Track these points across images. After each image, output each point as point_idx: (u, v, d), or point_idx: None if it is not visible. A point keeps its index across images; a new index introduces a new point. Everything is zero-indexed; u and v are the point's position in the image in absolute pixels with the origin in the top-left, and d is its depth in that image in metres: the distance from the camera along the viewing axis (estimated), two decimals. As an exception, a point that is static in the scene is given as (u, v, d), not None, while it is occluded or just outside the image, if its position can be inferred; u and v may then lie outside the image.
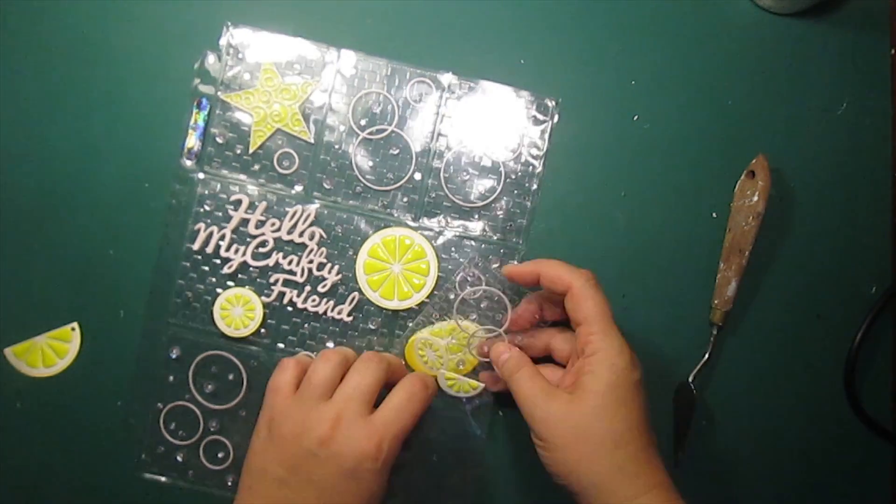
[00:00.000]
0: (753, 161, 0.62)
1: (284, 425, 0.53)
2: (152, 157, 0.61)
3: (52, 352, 0.61)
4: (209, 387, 0.61)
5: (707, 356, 0.63)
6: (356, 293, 0.61)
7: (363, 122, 0.62)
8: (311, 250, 0.61)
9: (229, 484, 0.62)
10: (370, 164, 0.62)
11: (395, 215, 0.62)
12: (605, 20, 0.63)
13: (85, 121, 0.61)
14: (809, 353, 0.64)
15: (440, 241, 0.62)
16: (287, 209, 0.61)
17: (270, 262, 0.61)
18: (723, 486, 0.59)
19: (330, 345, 0.61)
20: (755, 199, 0.61)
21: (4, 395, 0.61)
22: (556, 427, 0.51)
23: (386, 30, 0.62)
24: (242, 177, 0.61)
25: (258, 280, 0.61)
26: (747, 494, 0.63)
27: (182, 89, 0.61)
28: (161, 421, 0.61)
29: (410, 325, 0.61)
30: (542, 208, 0.62)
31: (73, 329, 0.61)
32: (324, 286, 0.61)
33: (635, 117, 0.63)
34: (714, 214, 0.63)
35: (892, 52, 0.65)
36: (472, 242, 0.62)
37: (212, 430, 0.61)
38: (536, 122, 0.62)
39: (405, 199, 0.62)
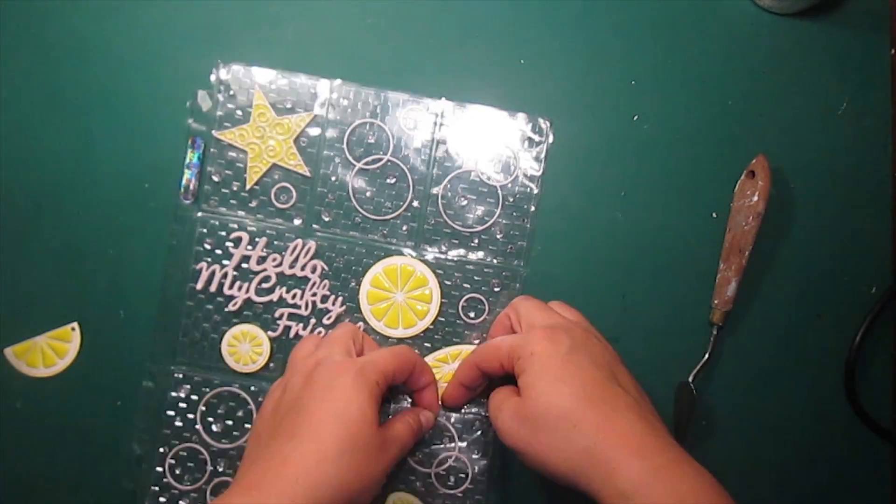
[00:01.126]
0: (753, 161, 0.62)
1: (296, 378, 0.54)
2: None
3: (52, 352, 0.61)
4: (217, 426, 0.62)
5: (707, 356, 0.63)
6: (361, 323, 0.62)
7: (359, 152, 0.62)
8: (314, 283, 0.61)
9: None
10: (368, 193, 0.62)
11: (396, 244, 0.62)
12: (605, 20, 0.63)
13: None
14: (809, 353, 0.64)
15: (441, 267, 0.62)
16: (287, 244, 0.61)
17: (274, 297, 0.61)
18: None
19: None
20: (755, 199, 0.61)
21: (4, 394, 0.61)
22: (515, 433, 0.51)
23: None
24: (241, 213, 0.61)
25: (263, 315, 0.61)
26: (747, 494, 0.64)
27: (177, 127, 0.61)
28: (165, 465, 0.61)
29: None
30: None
31: (73, 329, 0.61)
32: (328, 318, 0.61)
33: (635, 117, 0.63)
34: (714, 214, 0.64)
35: (893, 51, 0.64)
36: (474, 267, 0.62)
37: (219, 471, 0.61)
38: (532, 143, 0.62)
39: (405, 228, 0.62)
